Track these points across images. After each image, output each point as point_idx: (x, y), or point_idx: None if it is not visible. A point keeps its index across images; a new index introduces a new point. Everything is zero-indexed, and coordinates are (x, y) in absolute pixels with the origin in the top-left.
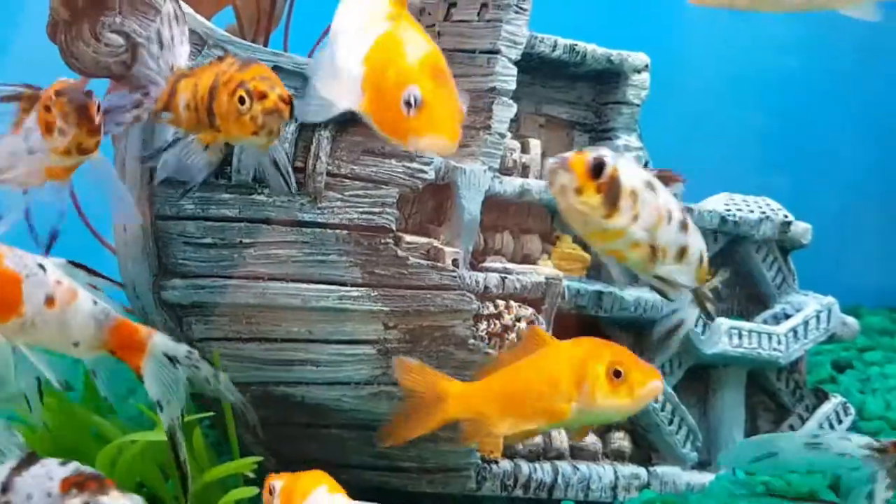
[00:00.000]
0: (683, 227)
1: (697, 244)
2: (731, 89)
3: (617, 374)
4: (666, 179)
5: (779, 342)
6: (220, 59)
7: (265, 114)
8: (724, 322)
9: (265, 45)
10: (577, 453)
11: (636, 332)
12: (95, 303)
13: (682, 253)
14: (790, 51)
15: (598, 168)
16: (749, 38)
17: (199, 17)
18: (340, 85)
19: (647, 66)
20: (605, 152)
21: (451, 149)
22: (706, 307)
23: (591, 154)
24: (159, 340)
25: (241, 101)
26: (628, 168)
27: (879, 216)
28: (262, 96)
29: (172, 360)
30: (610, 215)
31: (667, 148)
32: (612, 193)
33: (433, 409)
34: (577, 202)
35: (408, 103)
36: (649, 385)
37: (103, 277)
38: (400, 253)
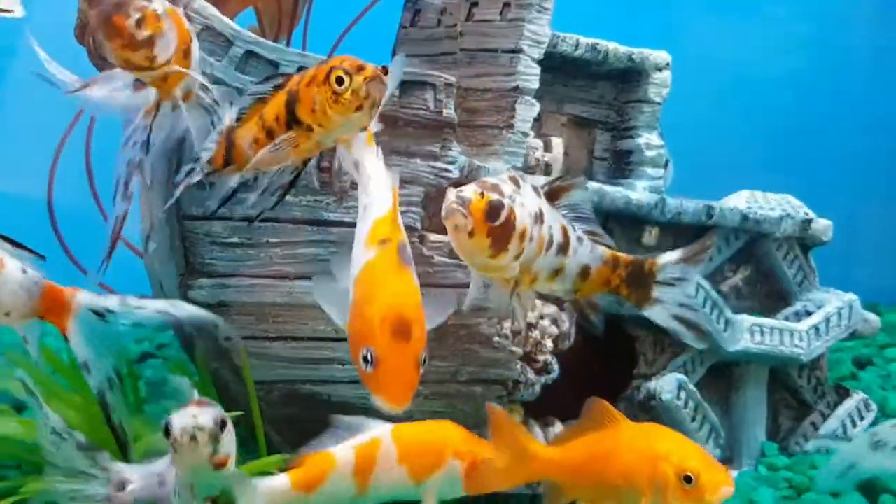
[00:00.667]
0: (563, 249)
1: (578, 261)
2: (743, 89)
3: (688, 479)
4: (557, 193)
5: (800, 339)
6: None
7: (369, 82)
8: (745, 319)
9: (287, 45)
10: None
11: (657, 330)
12: (25, 272)
13: (556, 272)
14: (801, 50)
15: (495, 213)
16: (760, 38)
17: (224, 18)
18: (338, 295)
19: (668, 64)
20: (506, 188)
21: (400, 410)
22: (589, 317)
23: (492, 196)
24: (83, 297)
25: (339, 81)
26: (524, 204)
27: (893, 214)
28: (360, 69)
29: (102, 314)
30: (496, 255)
31: (679, 147)
32: (502, 237)
33: (519, 468)
34: (468, 243)
35: (365, 359)
36: (720, 491)
37: (28, 250)
38: (425, 251)
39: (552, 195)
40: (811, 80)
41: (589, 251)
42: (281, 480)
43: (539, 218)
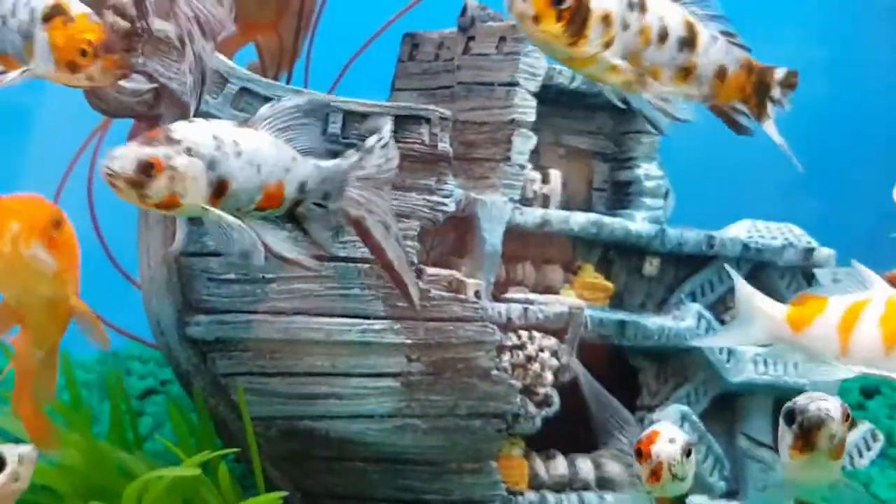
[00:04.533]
0: (688, 44)
1: (713, 59)
2: None
3: None
4: None
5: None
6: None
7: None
8: (749, 350)
9: (288, 80)
10: (603, 484)
11: (660, 361)
12: None
13: (686, 72)
14: (816, 73)
15: None
16: (774, 61)
17: (220, 55)
18: None
19: None
20: None
21: None
22: (736, 123)
23: None
24: None
25: None
26: None
27: None
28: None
29: None
30: (575, 43)
31: (694, 172)
32: (576, 21)
33: None
34: (537, 31)
35: None
36: None
37: None
38: (422, 285)
39: None
40: (824, 103)
41: (725, 51)
42: (779, 310)
43: (639, 6)
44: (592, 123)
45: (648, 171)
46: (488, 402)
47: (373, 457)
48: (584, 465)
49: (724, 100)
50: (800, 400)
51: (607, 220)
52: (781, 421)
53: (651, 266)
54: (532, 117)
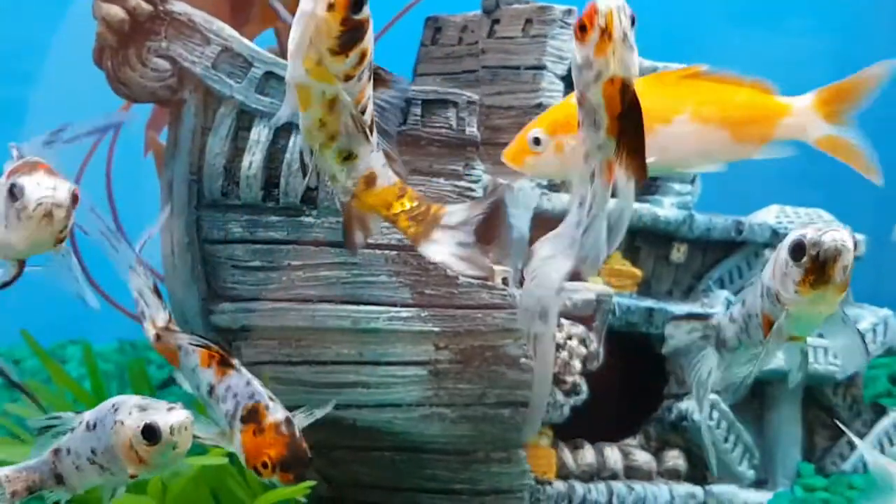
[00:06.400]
0: (362, 132)
1: (368, 161)
2: None
3: None
4: (379, 80)
5: (835, 356)
6: None
7: None
8: None
9: None
10: (631, 473)
11: None
12: None
13: (349, 155)
14: (824, 63)
15: (359, 5)
16: (783, 51)
17: (243, 39)
18: None
19: None
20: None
21: None
22: (350, 229)
23: None
24: None
25: None
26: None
27: None
28: None
29: None
30: (337, 54)
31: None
32: (351, 35)
33: None
34: (319, 18)
35: None
36: None
37: None
38: (450, 272)
39: (376, 79)
40: None
41: (382, 164)
42: None
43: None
44: None
45: None
46: (517, 390)
47: (400, 446)
48: (612, 455)
49: (366, 207)
50: (808, 233)
51: (635, 205)
52: (785, 256)
53: (678, 252)
54: (559, 101)
